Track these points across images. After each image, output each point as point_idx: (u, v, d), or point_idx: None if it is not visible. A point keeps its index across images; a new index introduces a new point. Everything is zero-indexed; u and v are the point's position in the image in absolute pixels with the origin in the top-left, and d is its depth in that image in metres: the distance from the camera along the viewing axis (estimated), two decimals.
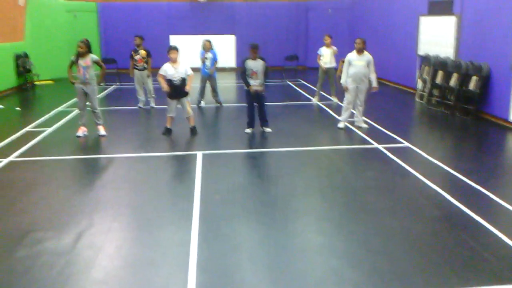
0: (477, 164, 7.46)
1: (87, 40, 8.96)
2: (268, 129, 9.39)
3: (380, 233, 5.04)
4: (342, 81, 9.59)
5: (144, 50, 11.83)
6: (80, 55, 8.84)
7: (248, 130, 9.41)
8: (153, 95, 12.14)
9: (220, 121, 11.09)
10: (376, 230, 5.10)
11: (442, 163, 7.35)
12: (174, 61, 9.01)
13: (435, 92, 12.00)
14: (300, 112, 11.67)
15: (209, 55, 11.87)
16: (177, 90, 9.08)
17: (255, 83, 9.07)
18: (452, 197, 5.96)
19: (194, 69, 9.41)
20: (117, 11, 20.39)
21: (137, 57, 11.79)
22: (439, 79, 11.77)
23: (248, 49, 9.09)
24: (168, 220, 5.45)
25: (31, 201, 6.07)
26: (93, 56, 9.00)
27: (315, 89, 13.08)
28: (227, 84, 16.47)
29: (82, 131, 9.22)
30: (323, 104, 12.31)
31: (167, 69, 9.01)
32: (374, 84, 9.53)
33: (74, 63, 8.93)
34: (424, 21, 13.29)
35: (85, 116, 9.22)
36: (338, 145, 8.76)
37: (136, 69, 11.89)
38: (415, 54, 13.84)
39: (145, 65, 11.86)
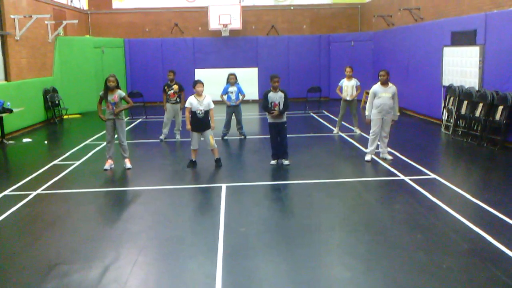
0: (506, 196, 7.29)
1: (115, 76, 9.20)
2: (286, 162, 9.37)
3: (409, 268, 4.93)
4: (367, 113, 9.53)
5: (177, 84, 12.06)
6: (109, 89, 9.05)
7: (273, 162, 9.41)
8: (180, 129, 12.28)
9: (244, 153, 11.13)
10: (404, 265, 5.00)
11: (470, 195, 7.21)
12: (199, 94, 9.17)
13: (461, 122, 11.87)
14: (323, 144, 11.65)
15: (233, 88, 12.05)
16: (200, 123, 9.20)
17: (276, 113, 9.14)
18: (482, 230, 5.82)
19: (217, 102, 9.51)
20: (144, 47, 20.85)
21: (170, 91, 12.01)
22: (464, 110, 11.67)
23: (269, 81, 9.19)
24: (194, 253, 5.44)
25: (58, 234, 6.14)
26: (121, 93, 9.20)
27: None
28: (251, 117, 16.58)
29: (109, 164, 9.35)
30: (346, 135, 12.28)
31: (192, 102, 9.17)
32: (396, 116, 9.50)
33: (103, 99, 9.14)
34: (448, 51, 13.26)
35: (113, 149, 9.36)
36: (363, 177, 8.68)
37: (169, 102, 12.12)
38: (439, 84, 13.77)
39: (178, 99, 12.07)
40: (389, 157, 9.54)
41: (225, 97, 12.16)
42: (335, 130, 12.78)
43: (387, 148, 9.68)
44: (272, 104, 9.13)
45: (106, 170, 9.27)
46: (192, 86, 9.32)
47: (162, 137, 12.27)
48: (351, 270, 4.93)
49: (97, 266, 5.12)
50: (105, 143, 9.74)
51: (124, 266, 5.11)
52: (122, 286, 4.67)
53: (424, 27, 14.95)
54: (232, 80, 12.10)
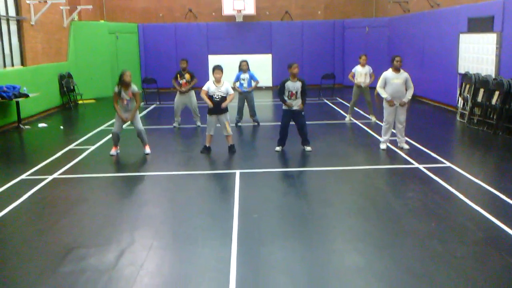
0: None
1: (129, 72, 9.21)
2: (308, 148, 9.36)
3: (422, 256, 4.94)
4: (385, 96, 9.22)
5: (189, 73, 11.98)
6: (125, 85, 9.04)
7: (278, 148, 9.39)
8: (198, 114, 12.26)
9: (257, 140, 11.14)
10: (418, 253, 5.00)
11: (485, 183, 7.17)
12: (218, 80, 9.16)
13: (477, 110, 11.75)
14: (337, 131, 11.62)
15: (246, 76, 12.02)
16: (217, 107, 9.20)
17: (293, 103, 9.08)
18: (496, 218, 5.80)
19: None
20: (157, 32, 20.82)
21: (182, 81, 11.97)
22: (480, 98, 11.55)
23: (287, 69, 9.08)
24: (208, 238, 5.50)
25: (75, 218, 6.22)
26: (135, 88, 9.18)
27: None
28: (264, 103, 16.56)
29: (115, 150, 9.41)
30: (361, 122, 12.22)
31: (210, 86, 9.18)
32: (406, 98, 9.27)
33: (118, 95, 9.13)
34: (464, 38, 13.09)
35: (119, 137, 9.38)
36: (377, 164, 8.66)
37: (180, 91, 12.07)
38: (455, 72, 13.62)
39: (189, 89, 12.02)
40: (406, 146, 9.41)
41: (237, 84, 12.14)
42: (347, 117, 12.72)
43: (405, 137, 9.54)
44: (289, 93, 9.07)
45: (113, 155, 9.33)
46: (212, 72, 9.30)
47: (175, 124, 12.30)
48: (364, 257, 4.94)
49: (113, 250, 5.18)
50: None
51: (139, 250, 5.17)
52: (138, 269, 4.73)
53: (441, 13, 14.76)
54: (244, 67, 12.06)
